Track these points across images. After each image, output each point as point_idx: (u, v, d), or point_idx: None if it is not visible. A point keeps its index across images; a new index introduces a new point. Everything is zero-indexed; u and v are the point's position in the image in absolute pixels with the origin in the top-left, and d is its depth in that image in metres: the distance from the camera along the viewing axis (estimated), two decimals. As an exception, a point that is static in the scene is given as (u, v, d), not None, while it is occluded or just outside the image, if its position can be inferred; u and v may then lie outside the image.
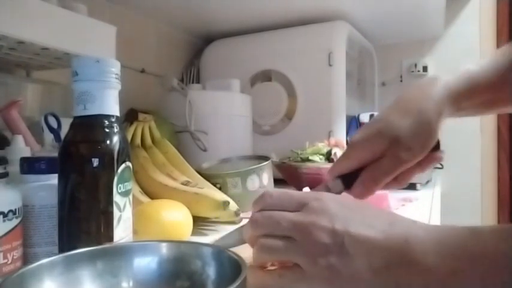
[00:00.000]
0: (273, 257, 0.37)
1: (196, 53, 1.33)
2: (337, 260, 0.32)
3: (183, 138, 0.89)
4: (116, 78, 0.38)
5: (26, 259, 0.38)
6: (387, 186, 0.48)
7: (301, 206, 0.36)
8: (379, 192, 0.37)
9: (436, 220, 0.73)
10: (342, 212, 0.34)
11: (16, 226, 0.36)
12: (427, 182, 1.07)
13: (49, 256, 0.30)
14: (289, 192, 0.38)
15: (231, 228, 0.60)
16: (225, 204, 0.58)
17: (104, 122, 0.37)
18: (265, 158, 0.79)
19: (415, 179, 0.58)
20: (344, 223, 0.33)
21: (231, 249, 0.33)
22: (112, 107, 0.38)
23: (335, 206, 0.35)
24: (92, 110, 0.37)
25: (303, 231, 0.34)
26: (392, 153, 0.44)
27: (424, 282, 0.30)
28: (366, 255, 0.32)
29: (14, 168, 0.40)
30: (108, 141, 0.37)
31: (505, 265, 0.27)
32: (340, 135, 1.08)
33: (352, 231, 0.32)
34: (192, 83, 1.29)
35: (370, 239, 0.32)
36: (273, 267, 0.38)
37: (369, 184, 0.46)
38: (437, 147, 0.48)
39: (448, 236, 0.31)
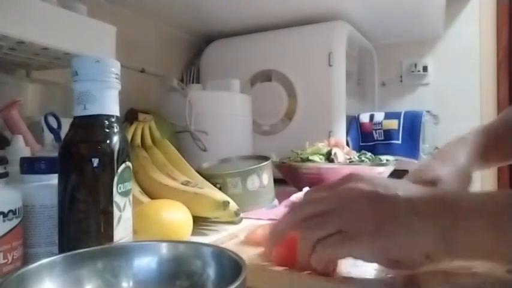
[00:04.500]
0: (319, 232, 0.36)
1: (196, 53, 1.33)
2: (380, 203, 0.34)
3: (183, 138, 0.89)
4: (116, 78, 0.38)
5: (26, 259, 0.38)
6: None
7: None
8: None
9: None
10: (377, 179, 0.38)
11: (16, 226, 0.36)
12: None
13: (49, 256, 0.30)
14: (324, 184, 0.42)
15: (231, 228, 0.61)
16: (225, 204, 0.58)
17: (104, 122, 0.37)
18: (265, 158, 0.79)
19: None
20: (383, 185, 0.36)
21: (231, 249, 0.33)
22: (112, 107, 0.38)
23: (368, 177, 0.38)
24: (92, 110, 0.37)
25: (343, 195, 0.37)
26: None
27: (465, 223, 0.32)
28: (407, 200, 0.34)
29: (14, 168, 0.40)
30: (108, 141, 0.37)
31: None
32: (340, 135, 1.08)
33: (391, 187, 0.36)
34: (192, 83, 1.29)
35: (412, 189, 0.35)
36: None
37: None
38: None
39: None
